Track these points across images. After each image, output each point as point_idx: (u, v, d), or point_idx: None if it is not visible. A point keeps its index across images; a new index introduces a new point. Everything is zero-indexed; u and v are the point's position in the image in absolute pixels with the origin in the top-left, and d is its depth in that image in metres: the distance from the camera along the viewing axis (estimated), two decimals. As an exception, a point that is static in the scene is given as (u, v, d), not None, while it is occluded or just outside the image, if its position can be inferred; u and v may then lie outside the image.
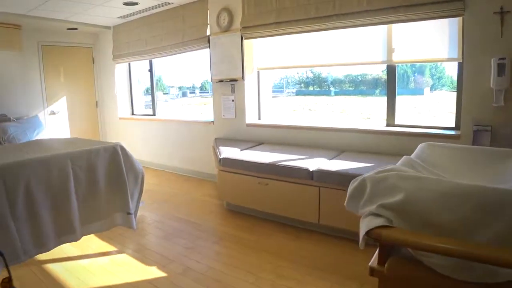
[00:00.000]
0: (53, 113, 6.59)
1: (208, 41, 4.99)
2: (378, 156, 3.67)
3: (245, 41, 4.67)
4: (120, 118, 6.98)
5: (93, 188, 3.34)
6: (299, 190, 3.50)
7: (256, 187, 3.80)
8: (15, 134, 5.24)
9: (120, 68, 6.90)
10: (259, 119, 5.05)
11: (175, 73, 7.17)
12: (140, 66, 6.86)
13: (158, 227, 3.85)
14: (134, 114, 7.13)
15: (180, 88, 7.50)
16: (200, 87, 7.62)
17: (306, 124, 4.52)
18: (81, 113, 7.06)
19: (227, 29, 4.77)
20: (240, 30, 4.60)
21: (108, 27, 6.56)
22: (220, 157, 4.08)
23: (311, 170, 3.39)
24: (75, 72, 6.89)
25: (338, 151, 4.00)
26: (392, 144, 3.80)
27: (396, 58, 3.87)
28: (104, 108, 7.35)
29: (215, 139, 5.07)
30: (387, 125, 4.08)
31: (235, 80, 4.83)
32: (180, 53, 5.51)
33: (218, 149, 4.34)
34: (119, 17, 5.91)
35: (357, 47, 4.12)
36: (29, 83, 6.21)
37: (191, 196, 4.85)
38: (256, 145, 4.53)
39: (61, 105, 6.73)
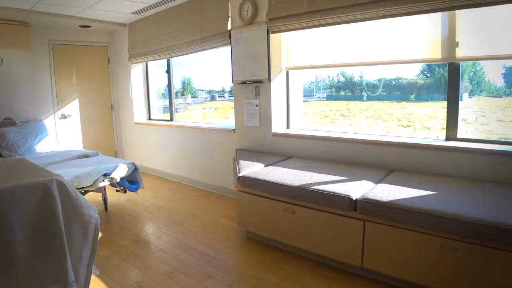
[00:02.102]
0: (64, 116, 6.11)
1: (230, 37, 4.31)
2: (439, 179, 2.86)
3: (272, 36, 3.95)
4: (136, 123, 6.43)
5: (3, 253, 1.91)
6: (337, 223, 2.74)
7: (281, 215, 3.07)
8: (14, 140, 4.76)
9: (137, 69, 6.35)
10: (287, 127, 4.31)
11: (204, 76, 6.56)
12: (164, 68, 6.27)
13: (162, 258, 3.19)
14: (151, 119, 6.57)
15: (209, 91, 6.96)
16: (229, 91, 7.17)
17: (345, 135, 3.74)
18: (95, 117, 6.57)
19: (250, 22, 4.07)
20: (266, 22, 3.88)
21: (123, 25, 6.02)
22: (240, 175, 3.37)
23: (354, 198, 2.62)
24: (89, 73, 6.40)
25: (386, 171, 3.20)
26: (456, 163, 2.98)
27: (461, 53, 3.04)
28: (119, 112, 6.84)
29: (236, 150, 4.38)
30: (447, 138, 3.24)
31: (260, 81, 4.11)
32: (198, 51, 4.86)
33: (238, 163, 3.65)
34: (134, 13, 5.34)
35: (406, 41, 3.31)
36: (39, 84, 5.76)
37: (207, 217, 4.17)
38: (283, 160, 3.80)
39: (73, 108, 6.25)
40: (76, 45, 6.16)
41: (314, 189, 2.79)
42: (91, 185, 3.77)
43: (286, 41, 4.09)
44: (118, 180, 4.01)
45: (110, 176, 3.90)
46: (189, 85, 6.69)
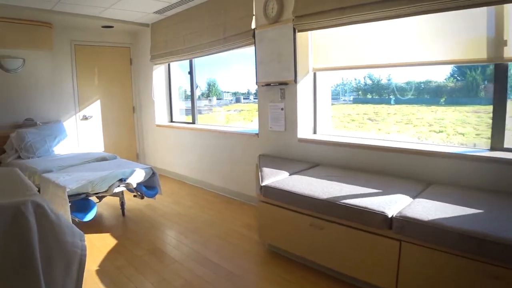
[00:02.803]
0: (85, 118, 6.03)
1: (254, 36, 4.07)
2: (483, 194, 2.53)
3: (299, 35, 3.70)
4: (157, 126, 6.28)
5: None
6: (369, 242, 2.45)
7: (307, 230, 2.79)
8: (33, 141, 4.67)
9: (159, 70, 6.22)
10: (314, 133, 4.04)
11: (229, 78, 6.37)
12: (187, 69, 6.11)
13: (178, 271, 2.98)
14: (173, 121, 6.41)
15: (234, 93, 6.77)
16: (254, 93, 7.00)
17: (377, 142, 3.44)
18: (117, 119, 6.47)
19: (276, 20, 3.82)
20: (292, 20, 3.62)
21: (146, 25, 5.89)
22: (262, 184, 3.12)
23: (389, 215, 2.32)
24: (111, 74, 6.31)
25: (424, 184, 2.88)
26: (503, 176, 2.64)
27: (511, 54, 2.70)
28: (141, 113, 6.73)
29: (260, 155, 4.15)
30: (492, 148, 2.90)
31: (285, 83, 3.86)
32: (221, 51, 4.65)
33: (261, 171, 3.40)
34: (156, 12, 5.19)
35: (444, 40, 2.99)
36: (60, 85, 5.70)
37: (227, 226, 3.94)
38: (309, 168, 3.53)
39: (94, 109, 6.16)
40: (98, 46, 6.08)
41: (344, 203, 2.51)
42: (106, 190, 3.62)
43: (313, 40, 3.83)
44: (134, 185, 3.84)
45: (126, 182, 3.73)
46: (214, 87, 6.52)
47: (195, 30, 4.98)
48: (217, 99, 6.79)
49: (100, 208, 4.64)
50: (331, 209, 2.57)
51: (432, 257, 2.15)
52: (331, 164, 3.61)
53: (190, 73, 5.80)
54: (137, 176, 3.87)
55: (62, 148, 4.97)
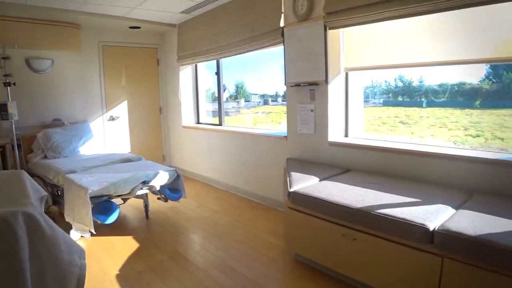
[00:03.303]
0: (112, 118, 6.02)
1: (282, 34, 3.90)
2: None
3: (330, 32, 3.50)
4: (184, 127, 6.21)
5: None
6: (407, 257, 2.22)
7: (339, 240, 2.59)
8: (59, 142, 4.66)
9: (186, 71, 6.14)
10: (345, 136, 3.82)
11: (257, 80, 6.24)
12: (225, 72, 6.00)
13: (199, 279, 2.83)
14: (200, 123, 6.32)
15: (262, 95, 6.65)
16: (282, 95, 6.86)
17: (412, 147, 3.19)
18: (143, 120, 6.44)
19: (306, 17, 3.64)
20: (323, 17, 3.43)
21: (173, 25, 5.83)
22: (291, 190, 2.94)
23: (431, 228, 2.09)
24: (138, 74, 6.30)
25: (466, 193, 2.62)
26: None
27: None
28: (168, 114, 6.68)
29: (288, 159, 3.97)
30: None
31: (315, 84, 3.67)
32: (248, 50, 4.50)
33: (290, 175, 3.22)
34: (183, 12, 5.11)
35: (481, 37, 2.73)
36: (88, 85, 5.73)
37: (252, 231, 3.77)
38: (341, 173, 3.32)
39: (121, 110, 6.16)
40: (126, 47, 6.07)
41: (380, 213, 2.29)
42: (129, 193, 3.53)
43: (345, 38, 3.61)
44: (158, 188, 3.73)
45: (150, 184, 3.63)
46: (242, 89, 6.40)
47: (222, 29, 4.86)
48: (245, 101, 6.67)
49: (124, 209, 4.58)
50: (366, 219, 2.36)
51: (478, 277, 1.90)
52: (363, 169, 3.38)
53: (217, 74, 5.69)
54: (161, 179, 3.77)
55: (88, 149, 4.95)
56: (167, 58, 6.43)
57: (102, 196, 3.38)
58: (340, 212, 2.51)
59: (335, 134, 3.72)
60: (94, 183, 3.34)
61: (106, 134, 5.96)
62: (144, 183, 3.59)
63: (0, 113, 3.92)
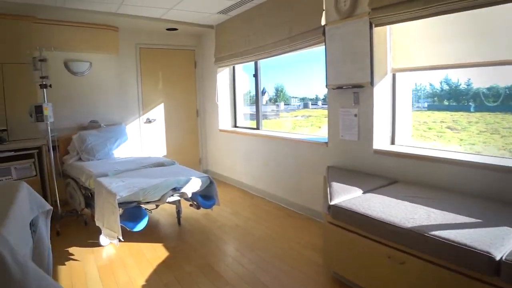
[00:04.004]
0: (148, 121, 5.98)
1: (324, 33, 3.63)
2: None
3: (376, 30, 3.19)
4: (220, 130, 6.05)
5: None
6: (468, 288, 1.89)
7: (384, 263, 2.28)
8: (93, 144, 4.62)
9: (223, 73, 6.00)
10: (392, 143, 3.48)
11: (297, 82, 6.01)
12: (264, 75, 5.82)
13: (230, 300, 2.62)
14: (237, 126, 6.14)
15: (302, 99, 6.42)
16: (323, 98, 6.60)
17: (467, 157, 2.81)
18: (180, 123, 6.36)
19: (349, 14, 3.35)
20: (369, 13, 3.13)
21: (210, 27, 5.71)
22: (331, 203, 2.66)
23: (496, 257, 1.75)
24: (175, 77, 6.22)
25: (541, 214, 2.24)
26: None
27: None
28: (205, 118, 6.55)
29: (328, 167, 3.69)
30: None
31: (359, 86, 3.37)
32: (287, 51, 4.26)
33: (330, 186, 2.95)
34: (220, 12, 4.96)
35: None
36: (125, 88, 5.72)
37: (288, 244, 3.51)
38: (387, 185, 3.00)
39: (158, 112, 6.10)
40: (163, 49, 6.02)
41: (434, 236, 1.97)
42: (159, 200, 3.38)
43: (392, 36, 3.28)
44: (189, 195, 3.57)
45: (181, 191, 3.47)
46: (282, 92, 6.18)
47: (260, 29, 4.66)
48: (285, 104, 6.46)
49: (157, 214, 4.47)
50: (417, 242, 2.04)
51: None
52: (413, 181, 3.03)
53: (255, 76, 5.49)
54: (193, 185, 3.60)
55: (122, 151, 4.89)
56: (204, 60, 6.32)
57: (131, 202, 3.25)
58: (387, 231, 2.20)
59: (380, 141, 3.40)
60: (123, 188, 3.22)
61: (142, 137, 5.92)
62: (175, 189, 3.44)
63: (35, 115, 3.91)
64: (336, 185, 2.97)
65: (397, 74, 3.36)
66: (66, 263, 3.27)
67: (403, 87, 3.45)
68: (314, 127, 5.54)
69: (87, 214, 4.23)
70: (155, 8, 4.59)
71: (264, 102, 5.90)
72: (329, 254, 2.80)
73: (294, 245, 3.50)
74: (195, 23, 5.48)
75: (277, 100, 6.07)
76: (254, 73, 5.49)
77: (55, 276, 3.04)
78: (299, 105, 6.50)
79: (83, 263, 3.26)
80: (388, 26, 3.18)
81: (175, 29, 5.66)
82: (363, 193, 2.81)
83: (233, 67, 6.05)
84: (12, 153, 4.21)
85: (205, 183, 3.75)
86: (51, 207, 1.76)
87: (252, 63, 5.41)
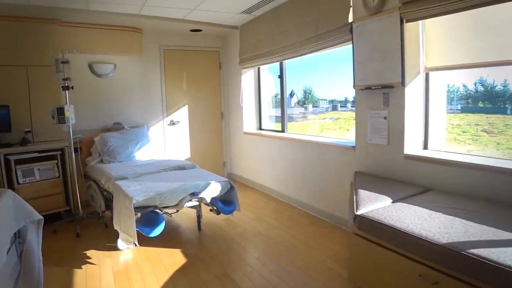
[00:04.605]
0: (172, 123, 5.92)
1: (351, 31, 3.42)
2: None
3: (407, 26, 2.96)
4: (245, 133, 5.91)
5: None
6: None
7: (414, 281, 2.05)
8: (115, 146, 4.59)
9: (248, 74, 5.87)
10: (425, 148, 3.23)
11: (326, 84, 5.81)
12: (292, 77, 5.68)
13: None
14: (262, 129, 5.99)
15: (331, 101, 6.23)
16: (352, 100, 6.36)
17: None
18: (204, 125, 6.27)
19: (378, 9, 3.13)
20: (399, 8, 2.90)
21: (235, 27, 5.60)
22: (357, 213, 2.46)
23: (551, 283, 1.51)
24: (200, 78, 6.14)
25: None
26: None
27: None
28: (229, 120, 6.43)
29: (356, 173, 3.48)
30: None
31: (389, 86, 3.14)
32: (313, 51, 4.07)
33: (357, 193, 2.75)
34: (244, 12, 4.82)
35: None
36: (149, 89, 5.68)
37: (312, 254, 3.31)
38: (419, 193, 2.75)
39: (182, 114, 6.03)
40: (187, 50, 5.95)
41: (472, 254, 1.73)
42: (176, 205, 3.27)
43: (425, 32, 3.04)
44: (208, 201, 3.44)
45: (199, 196, 3.35)
46: (310, 94, 5.99)
47: (284, 29, 4.49)
48: (313, 106, 6.28)
49: (178, 218, 4.38)
50: (452, 260, 1.81)
51: None
52: (448, 190, 2.77)
53: (280, 77, 5.32)
54: (212, 190, 3.47)
55: (145, 153, 4.84)
56: (229, 62, 6.21)
57: (148, 206, 3.15)
58: (418, 246, 1.98)
59: (412, 145, 3.16)
60: (140, 192, 3.13)
61: (166, 139, 5.87)
62: (193, 194, 3.32)
63: (57, 117, 3.89)
64: (363, 193, 2.76)
65: (431, 73, 3.11)
66: (82, 266, 3.22)
67: (436, 87, 3.19)
68: (343, 129, 5.32)
69: (108, 216, 4.18)
70: (177, 8, 4.52)
71: (292, 105, 5.73)
72: (354, 268, 2.60)
73: (318, 255, 3.30)
74: (219, 24, 5.38)
75: (306, 102, 5.89)
76: (279, 74, 5.32)
77: (70, 279, 2.99)
78: (328, 107, 6.31)
79: (99, 267, 3.19)
80: (420, 22, 2.94)
81: (199, 30, 5.58)
82: (392, 202, 2.59)
83: (258, 68, 5.91)
84: (36, 154, 4.23)
85: (225, 188, 3.61)
86: (41, 217, 1.64)
87: (278, 64, 5.25)
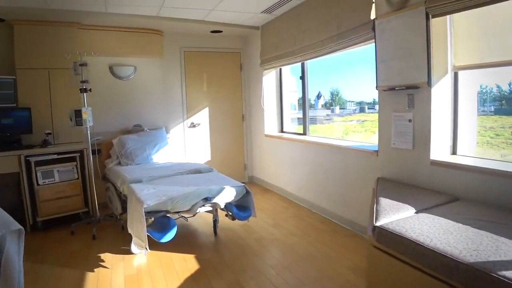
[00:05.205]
0: (193, 125, 5.86)
1: (374, 28, 3.23)
2: None
3: (433, 21, 2.75)
4: (266, 136, 5.78)
5: None
6: None
7: (439, 301, 1.86)
8: (133, 148, 4.56)
9: (270, 76, 5.74)
10: (453, 153, 3.00)
11: (354, 85, 5.62)
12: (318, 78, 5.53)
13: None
14: (284, 131, 5.84)
15: (359, 103, 6.06)
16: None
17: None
18: (225, 127, 6.18)
19: (402, 5, 2.93)
20: (424, 2, 2.69)
21: (256, 28, 5.48)
22: (376, 224, 2.28)
23: None
24: (221, 80, 6.06)
25: None
26: None
27: None
28: (251, 122, 6.32)
29: (378, 179, 3.29)
30: None
31: (414, 87, 2.94)
32: (335, 50, 3.88)
33: (377, 202, 2.57)
34: (264, 12, 4.70)
35: None
36: (169, 92, 5.66)
37: (331, 265, 3.13)
38: (445, 203, 2.54)
39: (202, 117, 5.97)
40: (208, 52, 5.89)
41: (504, 277, 1.53)
42: (189, 210, 3.17)
43: (454, 28, 2.82)
44: (222, 206, 3.33)
45: (212, 201, 3.24)
46: (337, 96, 5.81)
47: (305, 28, 4.33)
48: (340, 108, 6.10)
49: (194, 222, 4.30)
50: (481, 282, 1.61)
51: None
52: (478, 199, 2.54)
53: (302, 78, 5.16)
54: (226, 195, 3.36)
55: (164, 156, 4.79)
56: (250, 63, 6.10)
57: (159, 211, 3.07)
58: (443, 264, 1.78)
59: (439, 150, 2.93)
60: (152, 197, 3.05)
61: (186, 141, 5.82)
62: (207, 199, 3.21)
63: (75, 119, 3.89)
64: (384, 201, 2.57)
65: (460, 73, 2.88)
66: (95, 269, 3.18)
67: (466, 88, 2.95)
68: (369, 132, 5.10)
69: (125, 219, 4.13)
70: (195, 9, 4.46)
71: (319, 107, 5.56)
72: (373, 282, 2.41)
73: (337, 266, 3.12)
74: (239, 24, 5.28)
75: (333, 104, 5.71)
76: (301, 75, 5.16)
77: (81, 282, 2.94)
78: (355, 109, 6.11)
79: (111, 271, 3.14)
80: (448, 16, 2.72)
81: (220, 31, 5.50)
82: (415, 212, 2.39)
83: (280, 70, 5.77)
84: (55, 156, 4.25)
85: (240, 193, 3.49)
86: (21, 227, 1.56)
87: (300, 65, 5.10)
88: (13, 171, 4.08)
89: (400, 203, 2.51)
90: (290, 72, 5.79)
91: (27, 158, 4.09)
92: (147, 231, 2.95)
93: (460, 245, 1.81)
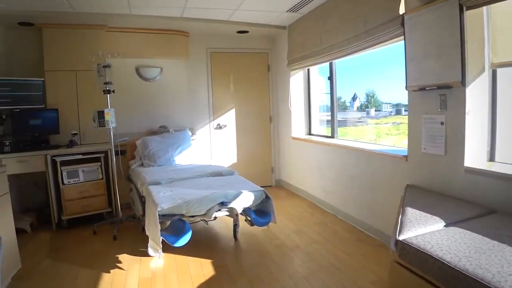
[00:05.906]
0: (219, 127, 5.79)
1: (403, 24, 3.00)
2: None
3: (468, 14, 2.49)
4: (293, 138, 5.61)
5: None
6: None
7: (467, 329, 1.64)
8: (155, 150, 4.54)
9: (297, 77, 5.58)
10: (490, 160, 2.71)
11: (392, 87, 5.38)
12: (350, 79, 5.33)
13: None
14: (311, 134, 5.65)
15: (396, 104, 5.81)
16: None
17: None
18: (252, 129, 6.07)
19: (435, -3, 2.69)
20: (460, -6, 2.46)
21: (283, 27, 5.35)
22: (399, 238, 2.07)
23: None
24: (248, 81, 5.96)
25: None
26: None
27: None
28: (278, 124, 6.17)
29: (407, 186, 3.06)
30: None
31: (447, 86, 2.69)
32: (362, 49, 3.69)
33: (403, 212, 2.36)
34: (289, 11, 4.57)
35: None
36: (195, 93, 5.64)
37: (353, 278, 2.92)
38: (480, 216, 2.28)
39: (229, 118, 5.88)
40: (234, 53, 5.82)
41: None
42: (204, 214, 3.07)
43: (491, 21, 2.55)
44: (239, 211, 3.21)
45: (229, 206, 3.12)
46: (373, 97, 5.57)
47: (332, 26, 4.15)
48: (376, 110, 5.85)
49: (215, 226, 4.20)
50: (517, 311, 1.39)
51: None
52: (520, 212, 2.28)
53: (330, 78, 4.95)
54: (244, 200, 3.23)
55: (185, 158, 4.74)
56: (278, 63, 5.96)
57: (174, 215, 2.99)
58: (472, 287, 1.57)
59: (474, 156, 2.67)
60: (167, 199, 2.99)
61: (212, 143, 5.77)
62: (223, 204, 3.10)
63: (98, 120, 3.90)
64: (411, 212, 2.35)
65: (499, 70, 2.60)
66: (111, 271, 3.16)
67: (506, 87, 2.66)
68: (403, 135, 4.82)
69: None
70: (219, 9, 4.40)
71: (354, 109, 5.33)
72: (395, 301, 2.20)
73: (358, 279, 2.91)
74: (265, 24, 5.17)
75: (368, 106, 5.48)
76: (329, 76, 4.96)
77: (95, 284, 2.91)
78: (391, 112, 5.83)
79: (126, 273, 3.11)
80: (484, 8, 2.46)
81: (246, 32, 5.40)
82: (445, 225, 2.16)
83: (308, 70, 5.59)
84: (80, 156, 4.29)
85: (259, 198, 3.35)
86: None
87: (328, 65, 4.90)
88: (40, 170, 4.17)
89: (429, 215, 2.28)
90: (319, 73, 5.60)
91: (53, 158, 4.17)
92: (161, 235, 2.88)
93: (494, 267, 1.58)
